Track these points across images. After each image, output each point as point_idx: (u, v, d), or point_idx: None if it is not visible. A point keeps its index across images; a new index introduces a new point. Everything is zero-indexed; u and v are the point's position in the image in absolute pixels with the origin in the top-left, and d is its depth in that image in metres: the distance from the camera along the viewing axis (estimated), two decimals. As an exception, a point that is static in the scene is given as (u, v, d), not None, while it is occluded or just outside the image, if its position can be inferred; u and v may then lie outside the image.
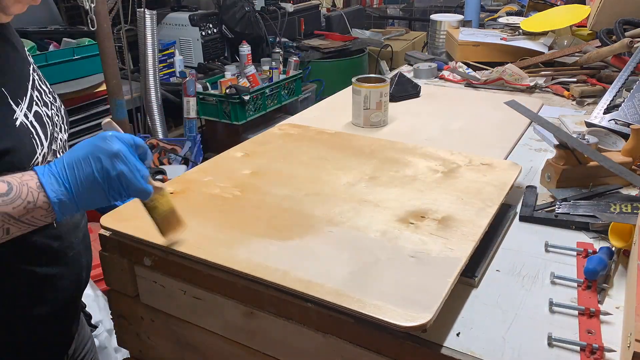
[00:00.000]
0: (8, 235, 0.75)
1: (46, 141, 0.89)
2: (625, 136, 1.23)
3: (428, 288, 0.72)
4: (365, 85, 1.35)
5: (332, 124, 1.40)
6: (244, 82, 3.31)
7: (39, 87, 0.96)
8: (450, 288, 0.72)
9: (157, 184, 0.81)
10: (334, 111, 1.51)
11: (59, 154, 0.95)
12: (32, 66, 0.99)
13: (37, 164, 0.84)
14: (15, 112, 0.84)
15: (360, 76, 1.40)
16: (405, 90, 1.61)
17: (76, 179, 0.74)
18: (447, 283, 0.73)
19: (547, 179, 1.10)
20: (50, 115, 0.95)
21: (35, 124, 0.88)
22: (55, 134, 0.94)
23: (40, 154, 0.86)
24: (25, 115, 0.86)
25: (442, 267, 0.77)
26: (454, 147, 1.20)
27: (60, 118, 1.00)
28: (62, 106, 1.05)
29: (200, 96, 3.30)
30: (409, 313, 0.67)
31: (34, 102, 0.91)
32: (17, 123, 0.83)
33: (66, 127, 1.02)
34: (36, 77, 0.99)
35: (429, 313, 0.67)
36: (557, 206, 1.00)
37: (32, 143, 0.85)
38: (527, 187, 1.10)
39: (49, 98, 0.98)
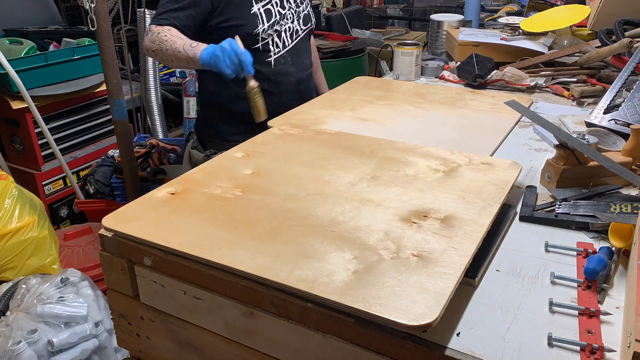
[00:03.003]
0: (177, 65, 1.60)
1: (267, 24, 1.68)
2: (625, 136, 1.23)
3: (433, 287, 0.72)
4: (414, 47, 1.99)
5: (333, 118, 1.40)
6: (244, 82, 3.30)
7: None
8: (455, 287, 0.72)
9: (251, 82, 1.49)
10: (334, 107, 1.51)
11: (284, 34, 1.74)
12: None
13: (257, 35, 1.67)
14: (252, 6, 1.67)
15: (400, 42, 2.03)
16: (486, 67, 1.78)
17: (207, 51, 1.47)
18: (452, 282, 0.73)
19: (547, 179, 1.10)
20: (281, 12, 1.72)
21: (262, 13, 1.68)
22: (281, 22, 1.72)
23: (260, 30, 1.67)
24: (258, 9, 1.67)
25: (446, 266, 0.77)
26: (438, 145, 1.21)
27: (294, 14, 1.77)
28: (309, 6, 1.86)
29: (200, 96, 3.29)
30: (415, 312, 0.67)
31: (269, 2, 1.70)
32: (252, 11, 1.66)
33: (301, 21, 1.80)
34: None
35: (435, 312, 0.67)
36: (557, 206, 1.00)
37: (255, 24, 1.66)
38: (527, 187, 1.10)
39: (290, 3, 1.76)
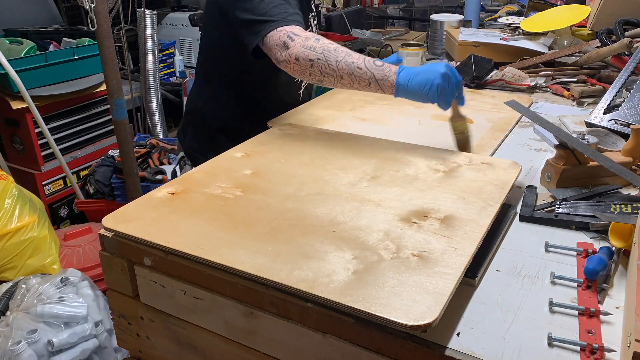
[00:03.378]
0: (349, 85, 1.19)
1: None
2: (625, 136, 1.23)
3: (433, 287, 0.72)
4: (418, 48, 1.83)
5: (333, 118, 1.41)
6: (244, 82, 3.30)
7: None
8: (455, 287, 0.72)
9: (462, 112, 1.18)
10: (334, 107, 1.51)
11: None
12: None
13: None
14: (310, 21, 1.48)
15: (404, 43, 1.89)
16: (484, 69, 1.75)
17: (416, 81, 1.11)
18: (452, 282, 0.73)
19: (547, 179, 1.10)
20: (314, 27, 1.55)
21: (314, 28, 1.52)
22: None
23: None
24: (311, 22, 1.50)
25: (446, 266, 0.77)
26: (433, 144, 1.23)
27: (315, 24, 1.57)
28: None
29: (200, 96, 3.29)
30: (415, 312, 0.67)
31: (311, 18, 1.50)
32: (308, 23, 1.45)
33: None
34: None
35: (435, 312, 0.67)
36: (557, 206, 1.00)
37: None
38: (527, 187, 1.10)
39: (314, 18, 1.57)
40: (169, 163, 2.64)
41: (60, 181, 2.71)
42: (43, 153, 2.59)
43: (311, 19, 1.52)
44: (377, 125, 1.39)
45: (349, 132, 1.31)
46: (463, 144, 1.20)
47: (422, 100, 1.12)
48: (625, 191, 1.06)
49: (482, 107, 1.54)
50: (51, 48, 2.70)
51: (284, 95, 1.55)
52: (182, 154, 1.69)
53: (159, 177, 2.46)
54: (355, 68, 1.15)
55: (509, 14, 2.80)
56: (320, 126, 1.35)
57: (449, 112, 1.18)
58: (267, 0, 1.25)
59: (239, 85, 1.48)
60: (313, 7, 1.53)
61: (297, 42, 1.19)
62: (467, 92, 1.70)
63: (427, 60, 2.15)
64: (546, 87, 1.77)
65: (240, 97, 1.50)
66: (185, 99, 3.19)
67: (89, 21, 2.04)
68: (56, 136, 2.59)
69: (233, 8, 1.28)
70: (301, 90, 1.61)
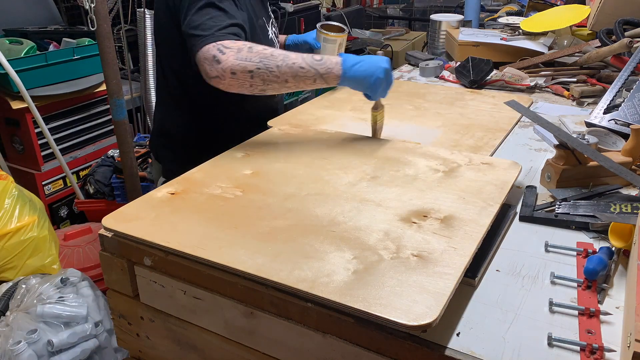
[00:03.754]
0: (294, 87, 1.18)
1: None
2: (625, 136, 1.23)
3: (433, 287, 0.72)
4: (339, 34, 1.54)
5: (333, 118, 1.41)
6: (244, 82, 3.30)
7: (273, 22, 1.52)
8: (455, 287, 0.72)
9: (382, 102, 1.27)
10: (334, 107, 1.52)
11: None
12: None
13: None
14: (269, 30, 1.45)
15: (323, 23, 1.57)
16: (482, 71, 1.73)
17: (360, 69, 1.17)
18: (452, 282, 0.73)
19: (547, 179, 1.10)
20: (275, 39, 1.51)
21: (274, 38, 1.49)
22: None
23: None
24: (272, 33, 1.47)
25: (446, 266, 0.77)
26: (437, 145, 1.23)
27: (277, 39, 1.55)
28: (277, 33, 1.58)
29: (200, 96, 3.29)
30: (415, 312, 0.67)
31: (272, 25, 1.49)
32: (269, 37, 1.45)
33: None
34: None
35: (435, 312, 0.67)
36: (557, 206, 1.00)
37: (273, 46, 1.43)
38: (527, 187, 1.10)
39: (276, 30, 1.54)
40: (169, 163, 2.64)
41: (60, 181, 2.71)
42: (43, 153, 2.59)
43: (270, 24, 1.48)
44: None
45: (348, 132, 1.31)
46: (376, 130, 1.29)
47: (361, 89, 1.19)
48: (625, 191, 1.06)
49: (482, 107, 1.54)
50: (51, 48, 2.70)
51: (261, 104, 1.48)
52: (161, 179, 1.56)
53: (159, 177, 2.46)
54: (298, 69, 1.15)
55: (509, 14, 2.80)
56: (320, 126, 1.35)
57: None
58: (204, 11, 1.19)
59: (206, 102, 1.40)
60: (270, 12, 1.50)
61: (228, 55, 1.13)
62: (467, 92, 1.71)
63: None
64: (546, 87, 1.77)
65: (211, 115, 1.42)
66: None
67: (89, 21, 2.04)
68: (56, 136, 2.59)
69: (183, 17, 1.23)
70: (276, 98, 1.55)
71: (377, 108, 1.25)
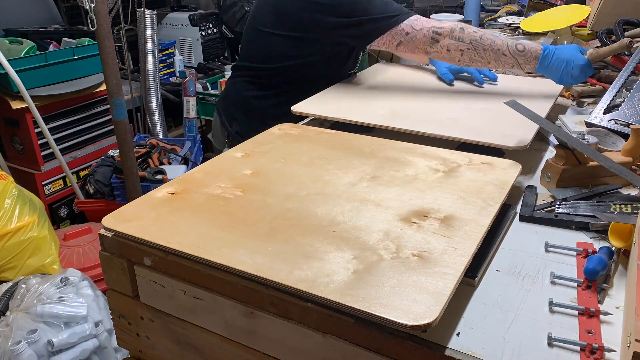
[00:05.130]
0: (494, 67, 1.44)
1: None
2: (625, 136, 1.23)
3: (433, 287, 0.72)
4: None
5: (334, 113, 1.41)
6: (244, 82, 3.30)
7: None
8: (455, 287, 0.72)
9: None
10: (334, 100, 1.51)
11: None
12: None
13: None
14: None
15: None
16: None
17: (556, 62, 1.38)
18: (452, 282, 0.73)
19: (547, 179, 1.10)
20: None
21: None
22: None
23: None
24: None
25: (446, 266, 0.77)
26: (478, 126, 1.25)
27: None
28: None
29: (200, 96, 3.30)
30: (415, 312, 0.67)
31: None
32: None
33: None
34: None
35: (435, 312, 0.67)
36: (557, 206, 1.00)
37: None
38: (527, 187, 1.10)
39: None
40: (169, 163, 2.64)
41: (60, 181, 2.71)
42: (43, 153, 2.59)
43: None
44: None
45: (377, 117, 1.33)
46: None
47: (554, 79, 1.40)
48: (625, 191, 1.06)
49: (502, 88, 1.55)
50: (51, 48, 2.70)
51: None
52: (227, 142, 1.77)
53: (159, 177, 2.46)
54: (501, 55, 1.37)
55: (509, 14, 2.80)
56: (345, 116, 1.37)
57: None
58: (375, 3, 1.43)
59: (302, 82, 1.61)
60: None
61: (444, 34, 1.40)
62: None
63: None
64: (546, 87, 1.77)
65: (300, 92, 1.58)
66: (185, 99, 3.19)
67: (89, 21, 2.04)
68: (56, 136, 2.59)
69: (327, 14, 1.45)
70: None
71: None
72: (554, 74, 1.39)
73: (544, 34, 2.09)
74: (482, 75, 1.61)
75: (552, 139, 1.33)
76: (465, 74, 1.65)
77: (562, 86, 1.58)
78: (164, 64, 3.47)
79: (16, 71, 2.29)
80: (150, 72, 3.16)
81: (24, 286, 1.79)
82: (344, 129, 1.32)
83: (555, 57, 1.36)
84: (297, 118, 1.46)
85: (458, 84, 1.62)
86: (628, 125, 1.26)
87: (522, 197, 1.06)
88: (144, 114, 3.28)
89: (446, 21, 1.42)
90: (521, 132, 1.19)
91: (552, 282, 0.82)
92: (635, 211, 0.91)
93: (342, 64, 1.64)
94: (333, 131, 1.31)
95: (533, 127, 1.20)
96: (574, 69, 1.36)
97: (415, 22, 1.42)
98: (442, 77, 1.64)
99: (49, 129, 2.48)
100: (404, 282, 0.74)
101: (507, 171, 1.06)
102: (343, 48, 1.59)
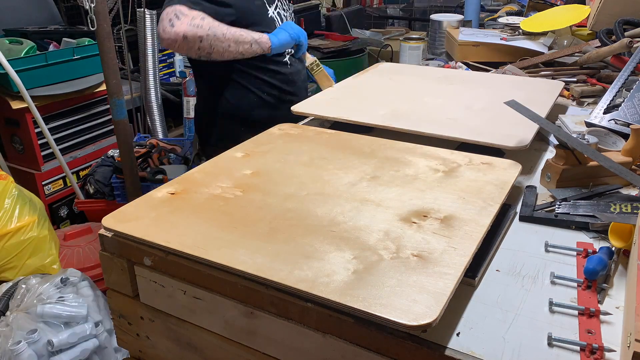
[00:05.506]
0: (234, 51, 1.52)
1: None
2: (625, 136, 1.23)
3: (433, 287, 0.72)
4: (420, 42, 2.19)
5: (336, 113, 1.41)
6: (244, 82, 3.30)
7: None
8: (455, 287, 0.72)
9: (309, 56, 1.74)
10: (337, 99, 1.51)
11: None
12: None
13: None
14: (268, 10, 1.67)
15: (405, 37, 2.25)
16: None
17: (282, 36, 1.61)
18: (452, 282, 0.73)
19: (547, 179, 1.10)
20: (285, 15, 1.76)
21: (276, 17, 1.69)
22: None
23: None
24: (272, 12, 1.68)
25: (446, 266, 0.77)
26: (478, 126, 1.25)
27: (289, 17, 1.80)
28: (290, 7, 1.86)
29: (200, 96, 3.29)
30: (415, 312, 0.67)
31: (278, 5, 1.72)
32: (269, 15, 1.66)
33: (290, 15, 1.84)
34: None
35: (435, 312, 0.67)
36: (557, 206, 1.00)
37: (274, 27, 1.65)
38: (527, 187, 1.10)
39: (284, 5, 1.78)
40: (169, 163, 2.64)
41: (60, 181, 2.71)
42: (43, 153, 2.59)
43: (276, 3, 1.72)
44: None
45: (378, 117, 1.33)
46: (322, 78, 1.68)
47: (286, 45, 1.60)
48: (625, 191, 1.06)
49: (504, 88, 1.55)
50: (51, 48, 2.70)
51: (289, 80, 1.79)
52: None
53: (159, 177, 2.46)
54: (239, 35, 1.48)
55: (509, 14, 2.80)
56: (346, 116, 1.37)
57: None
58: None
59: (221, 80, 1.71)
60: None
61: (183, 21, 1.38)
62: (485, 73, 1.70)
63: (423, 60, 2.17)
64: (546, 87, 1.77)
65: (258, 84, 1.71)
66: (185, 99, 3.19)
67: (89, 21, 2.04)
68: (56, 136, 2.59)
69: None
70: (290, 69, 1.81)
71: (309, 62, 1.69)
72: (284, 34, 1.62)
73: (544, 34, 2.09)
74: None
75: (552, 139, 1.33)
76: None
77: (562, 85, 1.57)
78: (164, 64, 3.47)
79: (16, 71, 2.29)
80: (150, 72, 3.16)
81: (24, 286, 1.79)
82: (344, 129, 1.32)
83: (278, 31, 1.66)
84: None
85: (458, 84, 1.62)
86: (628, 125, 1.26)
87: (522, 197, 1.06)
88: (144, 114, 3.28)
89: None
90: (521, 132, 1.19)
91: (552, 282, 0.82)
92: (635, 211, 0.91)
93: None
94: (333, 131, 1.31)
95: (533, 127, 1.20)
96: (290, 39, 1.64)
97: (174, 6, 1.45)
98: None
99: (49, 129, 2.48)
100: (404, 282, 0.74)
101: (507, 171, 1.06)
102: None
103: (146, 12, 3.07)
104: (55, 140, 2.54)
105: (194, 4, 1.45)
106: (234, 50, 1.49)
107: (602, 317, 0.74)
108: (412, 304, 0.69)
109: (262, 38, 1.54)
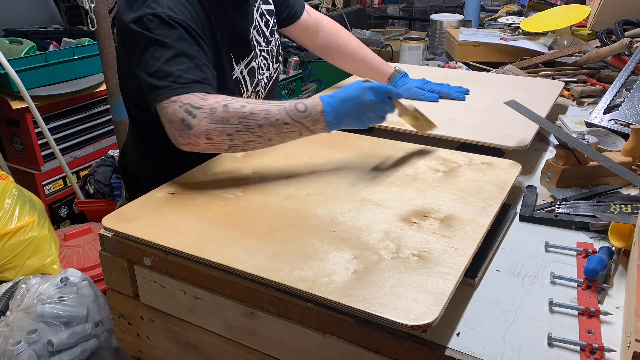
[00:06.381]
0: (278, 143, 1.04)
1: (251, 87, 1.27)
2: (625, 136, 1.23)
3: (433, 287, 0.72)
4: (421, 42, 2.19)
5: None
6: (244, 82, 3.30)
7: (257, 38, 1.29)
8: (455, 287, 0.72)
9: (404, 104, 1.12)
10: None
11: (261, 92, 1.33)
12: (255, 19, 1.29)
13: None
14: (234, 69, 1.21)
15: (405, 37, 2.24)
16: None
17: (344, 110, 1.03)
18: (452, 282, 0.73)
19: (547, 179, 1.10)
20: (260, 64, 1.30)
21: (246, 76, 1.25)
22: (260, 79, 1.31)
23: (245, 96, 1.25)
24: (241, 72, 1.23)
25: (446, 266, 0.77)
26: (478, 126, 1.25)
27: (270, 58, 1.34)
28: (278, 43, 1.38)
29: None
30: (415, 312, 0.67)
31: (253, 59, 1.26)
32: (233, 77, 1.21)
33: (274, 64, 1.37)
34: (254, 32, 1.28)
35: (435, 312, 0.67)
36: (557, 206, 1.00)
37: (240, 91, 1.23)
38: (527, 187, 1.10)
39: (263, 46, 1.31)
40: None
41: (60, 181, 2.71)
42: (43, 153, 2.59)
43: (257, 59, 1.28)
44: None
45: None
46: (423, 126, 1.17)
47: (358, 125, 1.05)
48: (625, 191, 1.06)
49: (503, 88, 1.55)
50: (51, 48, 2.70)
51: None
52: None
53: (159, 177, 2.46)
54: (282, 125, 1.00)
55: (509, 14, 2.80)
56: None
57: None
58: (159, 51, 1.01)
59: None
60: (258, 26, 1.29)
61: (200, 117, 0.97)
62: (484, 73, 1.70)
63: (423, 60, 2.17)
64: (546, 87, 1.76)
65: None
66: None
67: (89, 21, 2.04)
68: (56, 136, 2.59)
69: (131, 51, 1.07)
70: None
71: (403, 113, 1.13)
72: (350, 118, 1.04)
73: (544, 34, 2.09)
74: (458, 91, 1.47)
75: (552, 139, 1.33)
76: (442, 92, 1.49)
77: (562, 85, 1.58)
78: (164, 64, 3.47)
79: (16, 71, 2.29)
80: (150, 72, 3.16)
81: (24, 286, 1.79)
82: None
83: (337, 100, 1.02)
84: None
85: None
86: (628, 125, 1.26)
87: (522, 197, 1.06)
88: (144, 114, 3.28)
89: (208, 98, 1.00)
90: (521, 132, 1.19)
91: (552, 282, 0.82)
92: (635, 211, 0.91)
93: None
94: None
95: (533, 127, 1.20)
96: (366, 97, 1.02)
97: (178, 98, 0.99)
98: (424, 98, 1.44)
99: (49, 129, 2.48)
100: (404, 282, 0.74)
101: (507, 171, 1.06)
102: None
103: (146, 12, 3.06)
104: (55, 140, 2.54)
105: (185, 85, 1.00)
106: (276, 142, 1.03)
107: (602, 317, 0.74)
108: (412, 304, 0.69)
109: (317, 124, 1.03)
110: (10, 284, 1.83)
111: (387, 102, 1.05)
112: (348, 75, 1.74)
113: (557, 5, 2.52)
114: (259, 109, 1.00)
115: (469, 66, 2.00)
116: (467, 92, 1.49)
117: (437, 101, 1.47)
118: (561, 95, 1.70)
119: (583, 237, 0.94)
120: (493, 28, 2.44)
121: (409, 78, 1.55)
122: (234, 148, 1.02)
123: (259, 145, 1.03)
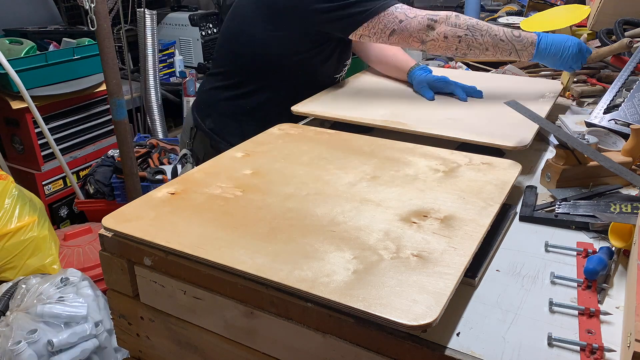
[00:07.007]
0: (491, 55, 1.38)
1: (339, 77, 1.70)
2: (625, 136, 1.23)
3: (433, 287, 0.72)
4: None
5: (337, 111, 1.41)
6: (244, 82, 3.30)
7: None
8: (455, 287, 0.72)
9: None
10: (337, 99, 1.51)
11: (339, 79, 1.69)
12: None
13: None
14: (337, 75, 1.67)
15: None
16: None
17: (552, 50, 1.37)
18: (452, 282, 0.73)
19: (547, 179, 1.10)
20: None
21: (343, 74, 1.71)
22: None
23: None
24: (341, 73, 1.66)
25: (446, 266, 0.77)
26: (478, 126, 1.25)
27: None
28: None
29: (200, 96, 3.29)
30: (415, 312, 0.67)
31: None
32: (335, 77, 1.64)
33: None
34: None
35: (435, 312, 0.67)
36: (557, 206, 1.00)
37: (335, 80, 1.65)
38: (527, 187, 1.10)
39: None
40: (169, 163, 2.64)
41: (60, 181, 2.71)
42: (43, 153, 2.59)
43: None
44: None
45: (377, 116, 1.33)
46: (565, 87, 1.56)
47: (555, 65, 1.39)
48: (625, 191, 1.06)
49: (503, 88, 1.55)
50: (51, 48, 2.70)
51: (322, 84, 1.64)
52: (184, 151, 1.68)
53: (159, 177, 2.47)
54: (499, 41, 1.34)
55: (509, 14, 2.80)
56: (345, 114, 1.37)
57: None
58: None
59: (283, 79, 1.54)
60: None
61: (440, 21, 1.34)
62: (485, 73, 1.70)
63: (423, 60, 2.17)
64: (546, 87, 1.76)
65: (282, 90, 1.54)
66: (185, 99, 3.19)
67: (89, 21, 2.04)
68: (56, 136, 2.59)
69: (308, 4, 1.38)
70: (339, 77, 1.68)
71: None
72: (552, 58, 1.37)
73: (544, 34, 2.08)
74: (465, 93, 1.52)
75: (552, 139, 1.33)
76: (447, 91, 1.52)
77: (562, 86, 1.58)
78: (164, 64, 3.48)
79: (16, 71, 2.29)
80: (150, 72, 3.17)
81: (24, 286, 1.79)
82: (344, 129, 1.32)
83: (550, 41, 1.36)
84: (287, 118, 1.41)
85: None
86: (628, 125, 1.26)
87: (522, 197, 1.06)
88: (144, 114, 3.28)
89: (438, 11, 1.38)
90: (521, 132, 1.19)
91: (552, 282, 0.82)
92: (635, 211, 0.91)
93: (324, 63, 1.55)
94: (333, 131, 1.31)
95: (533, 127, 1.20)
96: (571, 48, 1.36)
97: (409, 11, 1.37)
98: (420, 93, 1.54)
99: (49, 129, 2.48)
100: (404, 282, 0.74)
101: (507, 171, 1.06)
102: (326, 46, 1.50)
103: (146, 12, 3.07)
104: (55, 140, 2.54)
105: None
106: (490, 55, 1.37)
107: (602, 317, 0.74)
108: (412, 304, 0.69)
109: (525, 50, 1.36)
110: (10, 284, 1.84)
111: (584, 57, 1.40)
112: (349, 74, 1.74)
113: (557, 5, 2.52)
114: (482, 23, 1.35)
115: (469, 66, 2.00)
116: (480, 94, 1.50)
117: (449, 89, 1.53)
118: (561, 95, 1.70)
119: (583, 237, 0.94)
120: (493, 28, 2.44)
121: (429, 71, 1.61)
122: (459, 50, 1.35)
123: (477, 52, 1.35)
